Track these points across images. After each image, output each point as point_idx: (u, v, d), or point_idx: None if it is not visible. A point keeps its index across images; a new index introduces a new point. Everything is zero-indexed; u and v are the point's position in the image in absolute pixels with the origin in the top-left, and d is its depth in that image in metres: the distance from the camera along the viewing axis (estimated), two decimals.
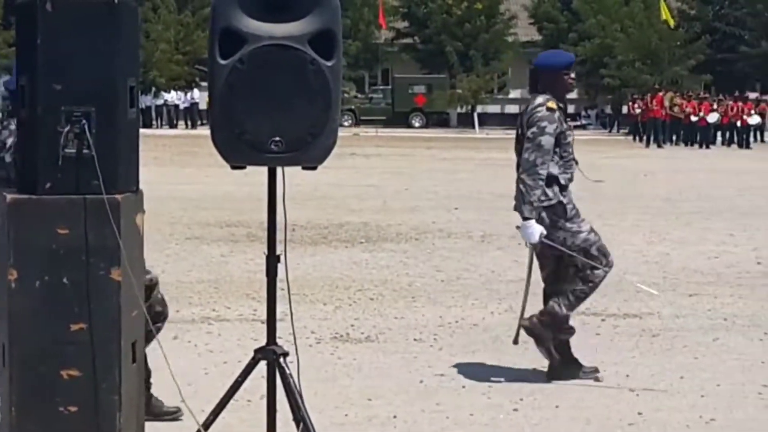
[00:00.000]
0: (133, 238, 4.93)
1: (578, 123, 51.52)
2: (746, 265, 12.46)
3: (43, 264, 4.76)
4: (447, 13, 55.51)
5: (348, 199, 19.25)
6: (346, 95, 49.47)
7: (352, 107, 53.65)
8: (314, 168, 5.31)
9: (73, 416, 4.78)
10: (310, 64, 5.12)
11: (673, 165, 30.48)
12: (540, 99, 7.42)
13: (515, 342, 7.69)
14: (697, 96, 46.48)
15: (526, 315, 7.51)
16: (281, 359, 5.37)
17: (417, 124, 54.74)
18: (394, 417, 6.58)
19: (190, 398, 5.86)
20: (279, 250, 5.40)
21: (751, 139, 44.17)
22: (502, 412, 6.73)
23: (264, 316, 5.52)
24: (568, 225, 7.38)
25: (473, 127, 53.12)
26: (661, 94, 45.37)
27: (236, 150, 5.19)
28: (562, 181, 7.36)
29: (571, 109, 7.40)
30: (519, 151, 7.43)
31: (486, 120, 54.98)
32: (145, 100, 49.64)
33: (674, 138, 44.28)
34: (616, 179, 22.88)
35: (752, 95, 48.97)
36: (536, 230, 7.23)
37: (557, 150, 7.34)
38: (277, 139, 5.13)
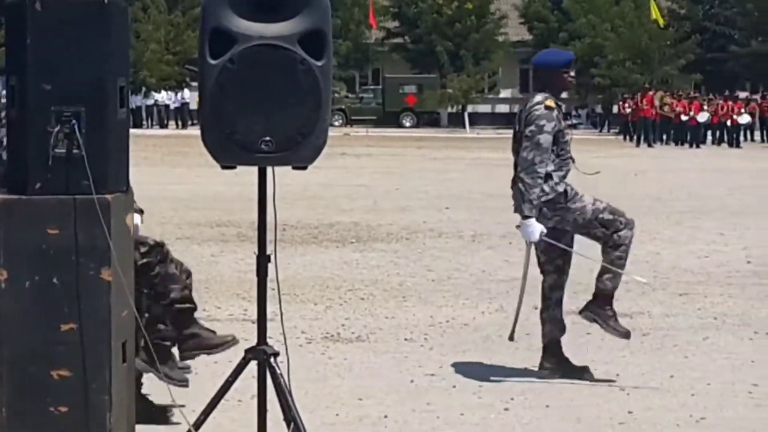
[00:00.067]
0: (123, 238, 4.93)
1: (569, 122, 51.38)
2: (736, 264, 12.47)
3: (33, 264, 4.76)
4: (437, 12, 55.52)
5: (338, 198, 19.23)
6: (336, 95, 49.37)
7: (343, 107, 53.64)
8: (304, 168, 5.31)
9: (64, 416, 4.78)
10: (301, 64, 5.12)
11: (663, 164, 30.50)
12: (538, 97, 7.39)
13: (511, 338, 7.68)
14: (687, 95, 46.55)
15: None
16: (272, 359, 5.37)
17: (407, 124, 54.73)
18: (385, 417, 6.58)
19: (181, 398, 5.86)
20: (269, 249, 5.40)
21: (741, 138, 44.27)
22: (493, 412, 6.72)
23: (254, 316, 5.52)
24: (574, 206, 7.35)
25: (464, 126, 53.15)
26: (651, 93, 45.40)
27: (226, 150, 5.19)
28: (556, 179, 7.34)
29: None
30: (516, 150, 7.41)
31: (477, 120, 55.02)
32: (136, 100, 49.62)
33: (664, 137, 44.32)
34: (606, 179, 22.83)
35: (742, 94, 49.06)
36: (536, 229, 7.21)
37: (554, 148, 7.31)
38: (268, 138, 5.13)
